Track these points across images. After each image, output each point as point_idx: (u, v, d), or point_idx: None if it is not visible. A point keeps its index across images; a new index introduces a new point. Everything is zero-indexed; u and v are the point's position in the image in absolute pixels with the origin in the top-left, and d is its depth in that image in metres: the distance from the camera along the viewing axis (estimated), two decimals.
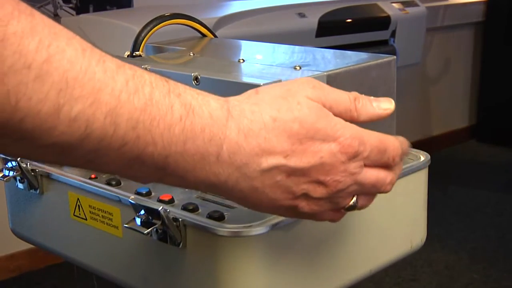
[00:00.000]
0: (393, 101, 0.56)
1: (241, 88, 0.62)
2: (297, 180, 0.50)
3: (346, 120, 0.52)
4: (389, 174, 0.54)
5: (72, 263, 0.79)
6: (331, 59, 0.75)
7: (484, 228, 2.60)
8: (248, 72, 0.71)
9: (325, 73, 0.67)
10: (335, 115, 0.51)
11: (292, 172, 0.50)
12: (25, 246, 1.79)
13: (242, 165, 0.49)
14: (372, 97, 0.55)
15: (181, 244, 0.62)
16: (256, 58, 0.78)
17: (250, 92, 0.52)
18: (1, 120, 0.40)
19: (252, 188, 0.50)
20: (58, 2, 2.24)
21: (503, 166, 3.28)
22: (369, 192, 0.55)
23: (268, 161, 0.49)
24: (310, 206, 0.52)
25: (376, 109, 0.54)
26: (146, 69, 0.70)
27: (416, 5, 2.63)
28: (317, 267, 0.67)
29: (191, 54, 0.80)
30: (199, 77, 0.65)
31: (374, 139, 0.52)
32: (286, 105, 0.49)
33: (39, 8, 2.20)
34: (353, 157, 0.51)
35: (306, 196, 0.51)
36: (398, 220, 0.75)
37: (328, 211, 0.54)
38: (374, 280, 2.13)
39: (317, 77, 0.67)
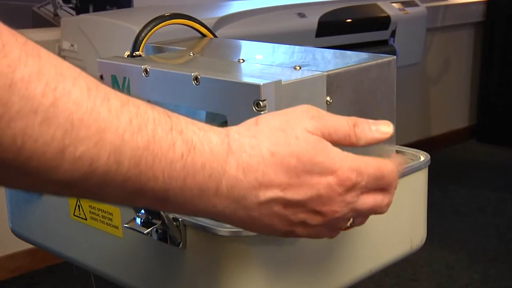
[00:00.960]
0: (391, 125, 0.57)
1: (241, 88, 0.62)
2: (294, 210, 0.51)
3: (345, 145, 0.53)
4: (385, 197, 0.56)
5: (72, 263, 0.79)
6: (331, 59, 0.75)
7: (484, 228, 2.60)
8: (248, 72, 0.71)
9: (325, 73, 0.67)
10: (334, 142, 0.53)
11: (289, 203, 0.51)
12: (25, 246, 1.79)
13: (240, 198, 0.50)
14: (371, 121, 0.56)
15: (181, 244, 0.62)
16: (256, 58, 0.78)
17: (250, 122, 0.53)
18: (7, 159, 0.41)
19: (250, 217, 0.51)
20: (58, 2, 2.24)
21: (503, 166, 3.28)
22: (365, 215, 0.57)
23: (266, 194, 0.50)
24: (307, 231, 0.54)
25: (375, 134, 0.55)
26: (146, 69, 0.70)
27: (416, 5, 2.63)
28: (317, 267, 0.67)
29: (191, 54, 0.80)
30: (199, 77, 0.65)
31: (371, 167, 0.53)
32: (284, 139, 0.50)
33: (39, 8, 2.21)
34: (351, 188, 0.52)
35: (303, 223, 0.53)
36: (398, 220, 0.75)
37: (324, 233, 0.55)
38: (374, 280, 2.13)
39: (317, 77, 0.67)
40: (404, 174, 0.74)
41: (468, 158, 3.45)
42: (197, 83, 0.65)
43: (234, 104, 0.62)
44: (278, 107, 0.61)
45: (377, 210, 0.56)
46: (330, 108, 0.67)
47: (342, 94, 0.69)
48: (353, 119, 0.55)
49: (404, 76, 3.05)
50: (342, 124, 0.54)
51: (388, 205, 0.57)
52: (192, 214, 0.54)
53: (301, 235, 0.54)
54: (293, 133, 0.51)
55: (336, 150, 0.52)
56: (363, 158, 0.53)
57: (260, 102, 0.60)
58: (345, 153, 0.52)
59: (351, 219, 0.55)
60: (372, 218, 0.72)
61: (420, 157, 0.77)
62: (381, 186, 0.55)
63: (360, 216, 0.56)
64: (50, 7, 2.23)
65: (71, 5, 2.26)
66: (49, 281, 2.25)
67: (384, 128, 0.56)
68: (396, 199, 0.74)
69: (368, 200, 0.54)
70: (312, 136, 0.51)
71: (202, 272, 0.62)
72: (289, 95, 0.63)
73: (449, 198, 2.88)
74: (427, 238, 0.79)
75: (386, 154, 0.58)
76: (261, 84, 0.60)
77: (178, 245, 0.62)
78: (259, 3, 2.27)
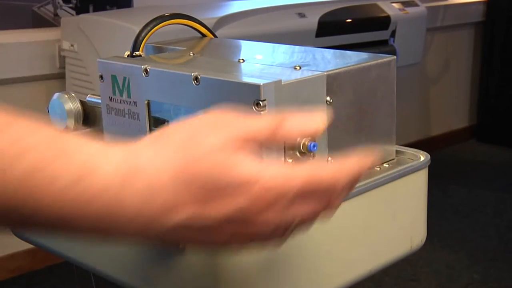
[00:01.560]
0: (325, 116, 0.50)
1: (241, 88, 0.62)
2: (214, 231, 0.47)
3: (272, 147, 0.49)
4: (327, 204, 0.49)
5: (72, 263, 0.79)
6: (331, 59, 0.75)
7: (484, 228, 2.60)
8: (248, 72, 0.71)
9: (325, 73, 0.67)
10: (255, 148, 0.47)
11: (204, 226, 0.46)
12: (25, 246, 1.79)
13: (146, 225, 0.46)
14: (302, 115, 0.50)
15: (181, 244, 0.62)
16: (256, 58, 0.78)
17: (154, 136, 0.48)
18: None
19: (166, 240, 0.48)
20: (58, 2, 2.24)
21: (503, 166, 3.28)
22: (306, 223, 0.51)
23: (174, 218, 0.46)
24: (241, 246, 0.50)
25: (303, 131, 0.50)
26: (146, 69, 0.70)
27: (416, 5, 2.63)
28: (317, 267, 0.67)
29: (191, 54, 0.80)
30: (199, 77, 0.65)
31: (301, 177, 0.47)
32: (192, 155, 0.46)
33: (39, 8, 2.21)
34: (273, 203, 0.46)
35: (230, 241, 0.49)
36: (398, 220, 0.75)
37: (262, 245, 0.51)
38: (374, 280, 2.13)
39: (317, 77, 0.67)
40: (404, 174, 0.74)
41: (468, 158, 3.45)
42: (197, 83, 0.65)
43: (234, 104, 0.62)
44: (278, 107, 0.61)
45: (320, 215, 0.50)
46: (330, 108, 0.67)
47: (342, 94, 0.69)
48: (277, 119, 0.49)
49: (404, 76, 3.05)
50: (262, 127, 0.48)
51: (332, 211, 0.50)
52: (102, 240, 0.50)
53: (235, 250, 0.50)
54: (198, 151, 0.46)
55: (253, 163, 0.46)
56: (289, 168, 0.47)
57: (260, 102, 0.60)
58: (267, 164, 0.47)
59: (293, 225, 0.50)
60: (372, 217, 0.72)
61: (420, 157, 0.77)
62: (318, 195, 0.48)
63: (300, 224, 0.50)
64: (50, 7, 2.23)
65: (71, 5, 2.26)
66: (49, 281, 2.25)
67: (316, 120, 0.50)
68: (396, 199, 0.74)
69: (303, 208, 0.48)
70: (221, 153, 0.46)
71: (202, 273, 0.62)
72: (289, 95, 0.63)
73: (449, 198, 2.88)
74: (427, 238, 0.79)
75: (351, 154, 0.51)
76: (261, 84, 0.60)
77: (178, 245, 0.62)
78: (259, 3, 2.27)
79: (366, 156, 0.50)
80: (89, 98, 0.84)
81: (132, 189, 0.45)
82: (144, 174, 0.45)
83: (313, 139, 0.64)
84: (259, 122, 0.48)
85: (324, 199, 0.49)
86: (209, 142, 0.46)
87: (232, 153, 0.46)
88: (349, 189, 0.50)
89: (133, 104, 0.73)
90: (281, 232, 0.49)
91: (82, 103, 0.85)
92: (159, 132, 0.48)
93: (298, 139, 0.52)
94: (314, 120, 0.50)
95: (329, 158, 0.69)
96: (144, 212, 0.45)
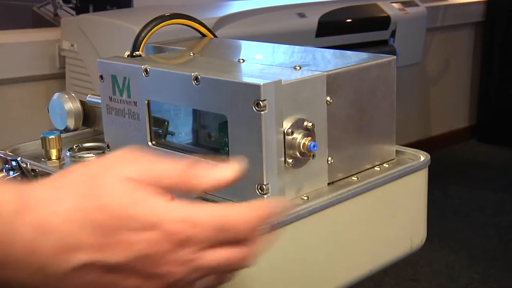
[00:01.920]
0: (236, 168, 0.47)
1: (241, 88, 0.62)
2: (120, 276, 0.43)
3: (183, 191, 0.46)
4: (242, 250, 0.46)
5: None
6: (331, 59, 0.76)
7: (484, 228, 2.60)
8: (248, 72, 0.71)
9: (325, 73, 0.67)
10: (166, 188, 0.45)
11: (109, 268, 0.42)
12: None
13: (43, 266, 0.42)
14: (211, 164, 0.48)
15: None
16: (256, 58, 0.78)
17: (62, 172, 0.45)
18: None
19: (68, 285, 0.43)
20: (58, 2, 2.24)
21: (503, 166, 3.28)
22: (222, 271, 0.47)
23: (75, 259, 0.42)
24: None
25: (218, 174, 0.46)
26: (146, 69, 0.70)
27: (416, 5, 2.63)
28: (317, 267, 0.67)
29: (191, 54, 0.80)
30: (199, 77, 0.65)
31: (211, 218, 0.44)
32: (90, 190, 0.42)
33: (39, 8, 2.21)
34: (184, 243, 0.43)
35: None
36: (398, 220, 0.75)
37: None
38: (374, 280, 2.13)
39: (317, 77, 0.67)
40: (404, 174, 0.74)
41: (468, 158, 3.45)
42: (197, 83, 0.65)
43: (234, 104, 0.62)
44: (278, 107, 0.61)
45: (235, 265, 0.46)
46: (330, 108, 0.68)
47: (342, 94, 0.69)
48: (186, 164, 0.46)
49: (404, 76, 3.05)
50: (173, 167, 0.45)
51: (249, 257, 0.47)
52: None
53: None
54: (102, 182, 0.42)
55: (162, 200, 0.43)
56: (200, 207, 0.44)
57: (260, 102, 0.60)
58: (176, 202, 0.44)
59: (209, 278, 0.46)
60: (372, 218, 0.72)
61: (420, 157, 0.77)
62: (230, 238, 0.45)
63: (216, 273, 0.46)
64: (50, 7, 2.23)
65: (71, 5, 2.26)
66: None
67: (224, 173, 0.46)
68: (396, 199, 0.74)
69: (216, 255, 0.45)
70: (127, 184, 0.43)
71: None
72: (289, 95, 0.63)
73: (449, 198, 2.88)
74: (427, 238, 0.79)
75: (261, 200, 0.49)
76: (261, 84, 0.60)
77: None
78: (259, 3, 2.27)
79: (274, 202, 0.48)
80: (89, 98, 0.84)
81: (24, 220, 0.42)
82: (34, 211, 0.42)
83: (313, 139, 0.64)
84: (168, 166, 0.45)
85: (240, 244, 0.45)
86: (118, 172, 0.43)
87: (137, 189, 0.43)
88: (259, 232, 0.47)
89: (133, 104, 0.73)
90: (197, 277, 0.45)
91: (82, 103, 0.85)
92: (63, 172, 0.45)
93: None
94: (223, 171, 0.47)
95: (329, 158, 0.69)
96: (38, 249, 0.41)
